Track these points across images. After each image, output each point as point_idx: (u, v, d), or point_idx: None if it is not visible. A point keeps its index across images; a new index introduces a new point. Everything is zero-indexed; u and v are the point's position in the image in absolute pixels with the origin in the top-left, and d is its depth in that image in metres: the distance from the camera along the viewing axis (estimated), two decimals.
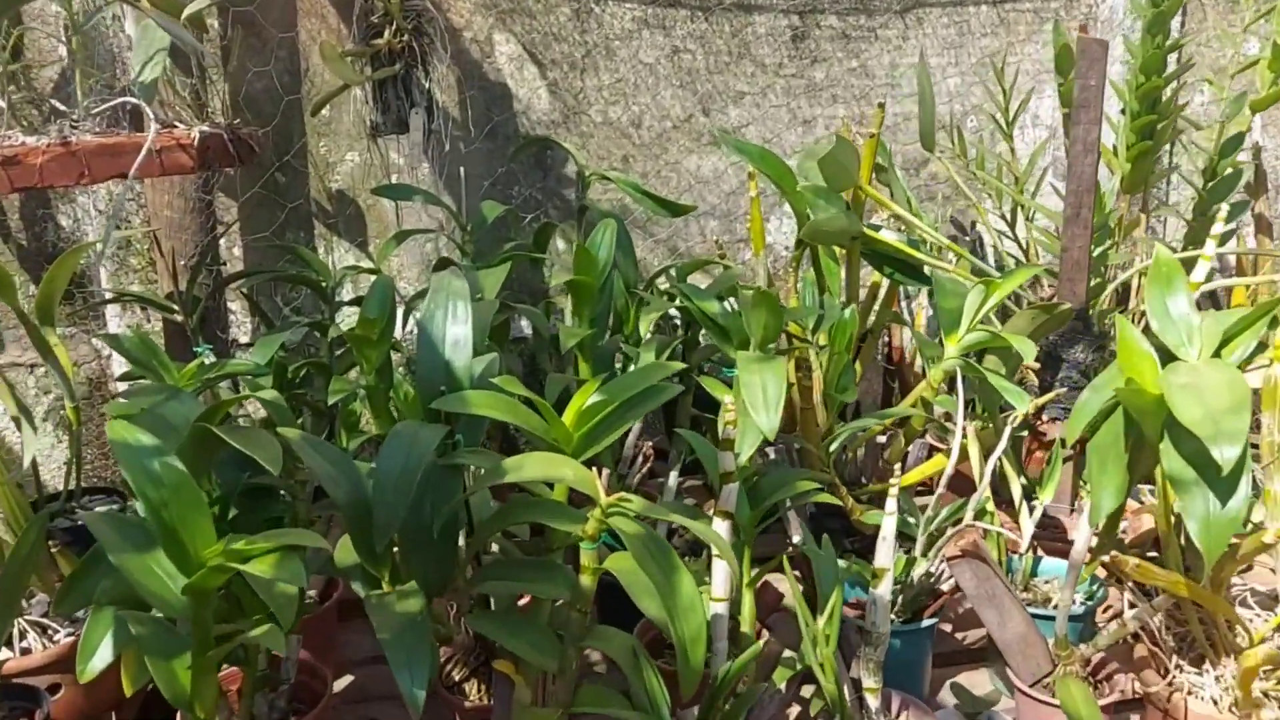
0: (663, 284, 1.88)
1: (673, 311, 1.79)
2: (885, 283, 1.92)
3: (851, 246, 1.59)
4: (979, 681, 1.43)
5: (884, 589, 1.17)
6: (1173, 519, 1.13)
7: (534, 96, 2.03)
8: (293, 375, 1.59)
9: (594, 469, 0.96)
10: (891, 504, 1.18)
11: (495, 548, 1.23)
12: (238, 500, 1.26)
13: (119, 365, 1.92)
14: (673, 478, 1.53)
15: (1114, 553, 1.09)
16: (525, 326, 2.13)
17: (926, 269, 1.73)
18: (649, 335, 1.41)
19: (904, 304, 2.18)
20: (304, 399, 1.56)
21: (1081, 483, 1.53)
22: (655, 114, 2.08)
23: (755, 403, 1.17)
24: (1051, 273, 1.72)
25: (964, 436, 1.38)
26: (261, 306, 1.87)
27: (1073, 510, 1.56)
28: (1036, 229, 1.94)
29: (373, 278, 2.07)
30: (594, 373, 1.47)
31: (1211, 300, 2.24)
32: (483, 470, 0.96)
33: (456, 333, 1.03)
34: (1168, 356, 1.04)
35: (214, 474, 1.28)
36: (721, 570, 1.11)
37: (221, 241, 1.92)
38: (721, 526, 1.11)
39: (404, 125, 1.91)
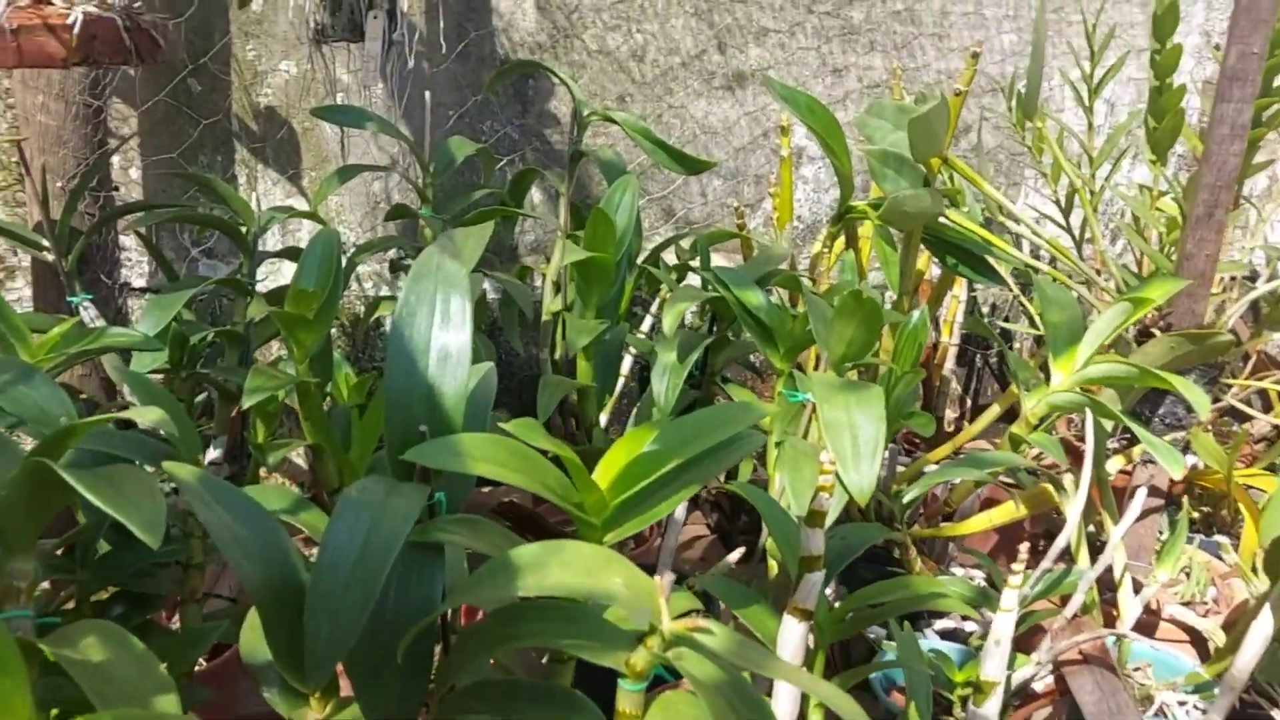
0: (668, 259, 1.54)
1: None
2: (931, 272, 1.62)
3: (916, 229, 1.27)
4: None
5: (992, 707, 0.87)
6: None
7: (518, 11, 1.65)
8: (195, 346, 1.22)
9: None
10: (1010, 597, 0.88)
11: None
12: (108, 533, 0.91)
13: None
14: (680, 510, 1.21)
15: None
16: (487, 288, 1.77)
17: (1002, 266, 1.43)
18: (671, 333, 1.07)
19: None
20: (207, 379, 1.19)
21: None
22: (662, 46, 1.72)
23: (842, 451, 0.86)
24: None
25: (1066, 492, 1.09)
26: (161, 249, 1.48)
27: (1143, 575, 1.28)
28: (1121, 224, 1.64)
29: (305, 223, 1.70)
30: (595, 375, 1.13)
31: None
32: (481, 566, 0.62)
33: (447, 342, 0.68)
34: None
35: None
36: (788, 691, 0.80)
37: (115, 161, 1.52)
38: (796, 630, 0.79)
39: (358, 31, 1.52)
